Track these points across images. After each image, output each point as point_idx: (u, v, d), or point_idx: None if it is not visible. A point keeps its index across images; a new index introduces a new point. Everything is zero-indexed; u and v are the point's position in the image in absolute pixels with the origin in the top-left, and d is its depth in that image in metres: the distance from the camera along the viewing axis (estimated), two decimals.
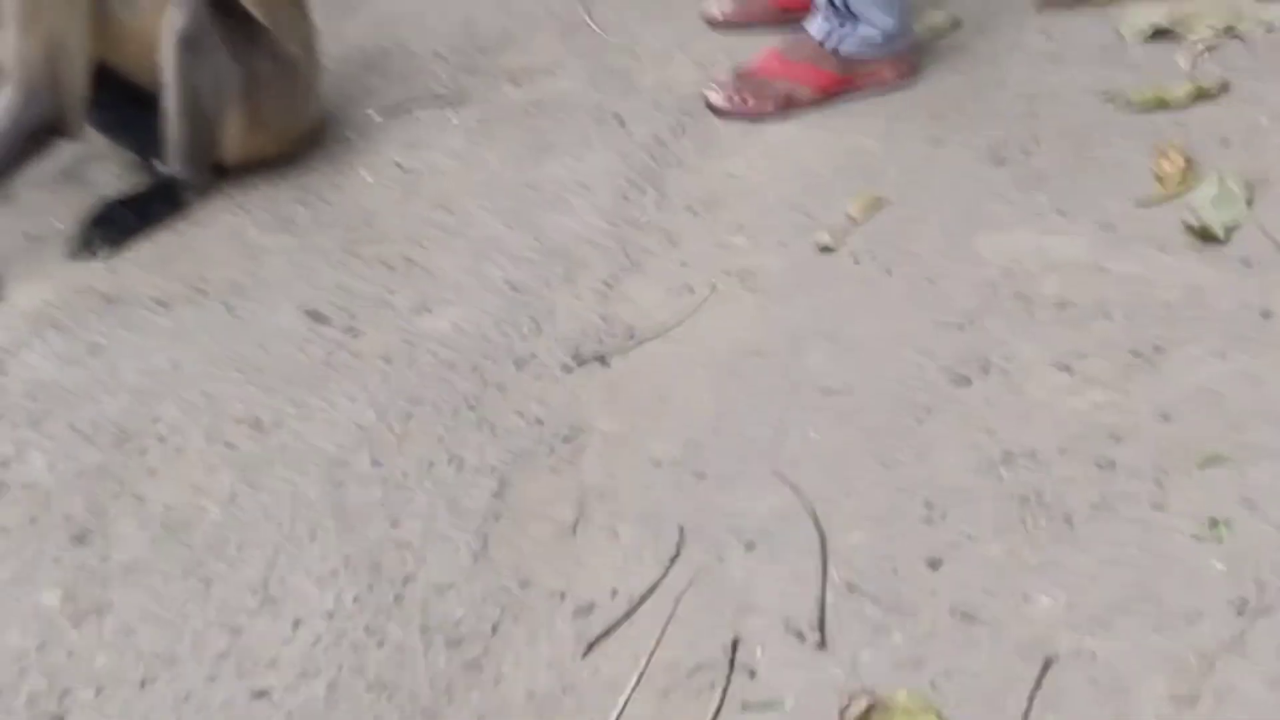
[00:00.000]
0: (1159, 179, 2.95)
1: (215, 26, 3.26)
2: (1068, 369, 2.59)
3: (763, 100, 3.41)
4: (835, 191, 3.12)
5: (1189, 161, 2.97)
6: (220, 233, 3.31)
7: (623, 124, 3.46)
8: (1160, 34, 3.33)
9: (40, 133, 3.27)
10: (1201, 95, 3.13)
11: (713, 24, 3.79)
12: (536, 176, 3.34)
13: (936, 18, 3.56)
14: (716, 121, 3.42)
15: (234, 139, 3.38)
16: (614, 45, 3.75)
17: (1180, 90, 3.15)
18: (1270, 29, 3.26)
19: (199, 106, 3.31)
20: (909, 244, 2.94)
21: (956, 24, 3.55)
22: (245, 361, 2.93)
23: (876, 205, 3.05)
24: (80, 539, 2.55)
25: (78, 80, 3.26)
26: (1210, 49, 3.25)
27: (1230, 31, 3.27)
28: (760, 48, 3.55)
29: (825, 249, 2.97)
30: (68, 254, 3.28)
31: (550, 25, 3.88)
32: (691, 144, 3.37)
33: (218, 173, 3.43)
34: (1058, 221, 2.92)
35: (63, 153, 3.44)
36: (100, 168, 3.55)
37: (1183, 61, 3.24)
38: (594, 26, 3.82)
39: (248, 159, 3.44)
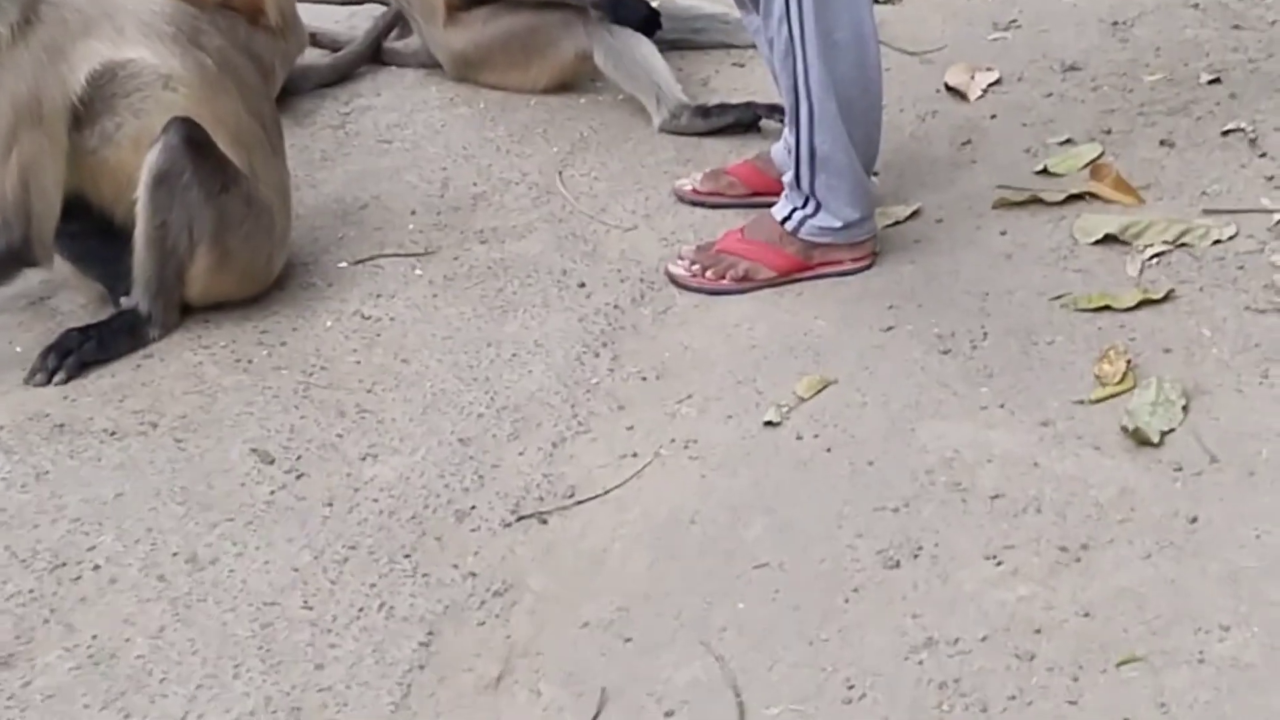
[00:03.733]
0: (1100, 381, 3.01)
1: (192, 166, 3.33)
2: (996, 560, 2.62)
3: (722, 276, 3.48)
4: (785, 369, 3.17)
5: (1130, 366, 3.03)
6: (178, 369, 3.35)
7: (584, 289, 3.53)
8: (1112, 240, 3.41)
9: (8, 260, 3.32)
10: (1147, 302, 3.20)
11: (682, 199, 3.87)
12: (495, 334, 3.40)
13: (897, 208, 3.64)
14: (676, 293, 3.48)
15: (201, 278, 3.43)
16: (583, 213, 3.83)
17: (1127, 296, 3.22)
18: (1218, 242, 3.34)
19: (169, 243, 3.37)
20: (852, 426, 2.99)
21: (916, 214, 3.63)
22: (189, 496, 2.95)
23: (824, 386, 3.11)
24: (4, 663, 2.55)
25: (50, 211, 3.33)
26: (1159, 258, 3.33)
27: (1179, 243, 3.36)
28: (726, 225, 3.63)
29: (770, 424, 3.02)
30: (24, 379, 3.32)
31: (523, 190, 3.96)
32: (649, 313, 3.43)
33: (182, 310, 3.48)
34: (999, 415, 2.97)
35: (30, 280, 3.50)
36: (66, 297, 3.60)
37: (1131, 269, 3.32)
38: (565, 193, 3.90)
39: (213, 298, 3.49)
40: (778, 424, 3.02)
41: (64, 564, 2.78)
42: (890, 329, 3.26)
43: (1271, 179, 3.54)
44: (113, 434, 3.14)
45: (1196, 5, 4.34)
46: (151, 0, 3.41)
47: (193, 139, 3.31)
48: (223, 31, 3.63)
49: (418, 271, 3.65)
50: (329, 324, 3.47)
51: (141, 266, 3.39)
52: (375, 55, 4.61)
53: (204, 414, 3.19)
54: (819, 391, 3.10)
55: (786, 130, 3.50)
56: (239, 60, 3.52)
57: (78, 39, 3.30)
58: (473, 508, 2.88)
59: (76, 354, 3.35)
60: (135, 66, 3.31)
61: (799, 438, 2.99)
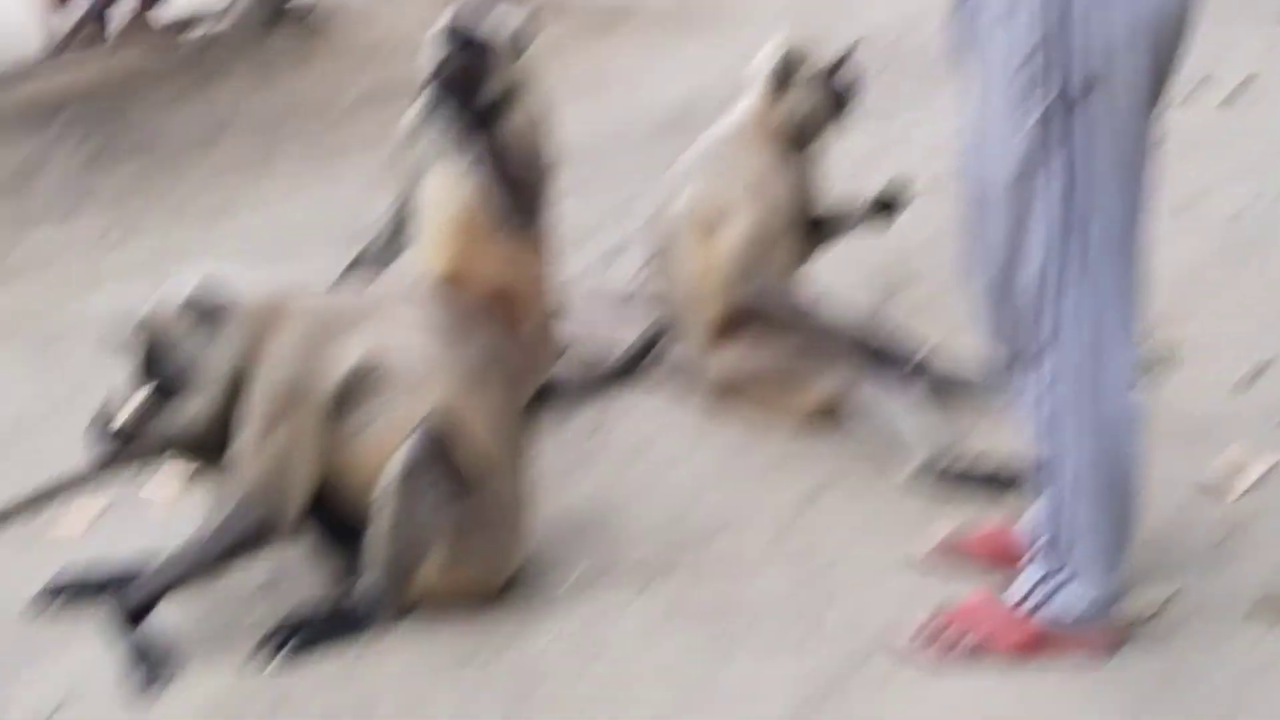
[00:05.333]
0: None
1: (439, 466, 3.37)
2: None
3: (953, 646, 3.34)
4: None
5: None
6: (393, 669, 3.36)
7: (810, 642, 3.43)
8: None
9: (252, 537, 3.39)
10: None
11: (926, 557, 3.74)
12: (714, 675, 3.32)
13: (1149, 596, 3.47)
14: (899, 662, 3.35)
15: (430, 578, 3.45)
16: (826, 558, 3.74)
17: None
18: None
19: (407, 536, 3.40)
20: None
21: (1167, 605, 3.45)
22: None
23: None
24: None
25: (298, 495, 3.40)
26: None
27: None
28: (967, 589, 3.49)
29: None
30: (248, 655, 3.35)
31: (764, 525, 3.88)
32: (873, 678, 3.32)
33: (411, 604, 3.48)
34: None
35: (264, 560, 3.54)
36: (299, 578, 3.63)
37: None
38: (810, 536, 3.83)
39: (439, 599, 3.49)
40: None
41: None
42: None
43: None
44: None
45: None
46: (417, 294, 3.48)
47: (443, 438, 3.36)
48: (484, 329, 3.67)
49: (646, 597, 3.60)
50: (548, 640, 3.44)
51: (374, 559, 3.42)
52: (634, 370, 4.64)
53: (415, 714, 3.19)
54: None
55: (1042, 497, 3.37)
56: (497, 362, 3.55)
57: (341, 332, 3.41)
58: None
59: (302, 635, 3.39)
60: (396, 361, 3.39)
61: None
